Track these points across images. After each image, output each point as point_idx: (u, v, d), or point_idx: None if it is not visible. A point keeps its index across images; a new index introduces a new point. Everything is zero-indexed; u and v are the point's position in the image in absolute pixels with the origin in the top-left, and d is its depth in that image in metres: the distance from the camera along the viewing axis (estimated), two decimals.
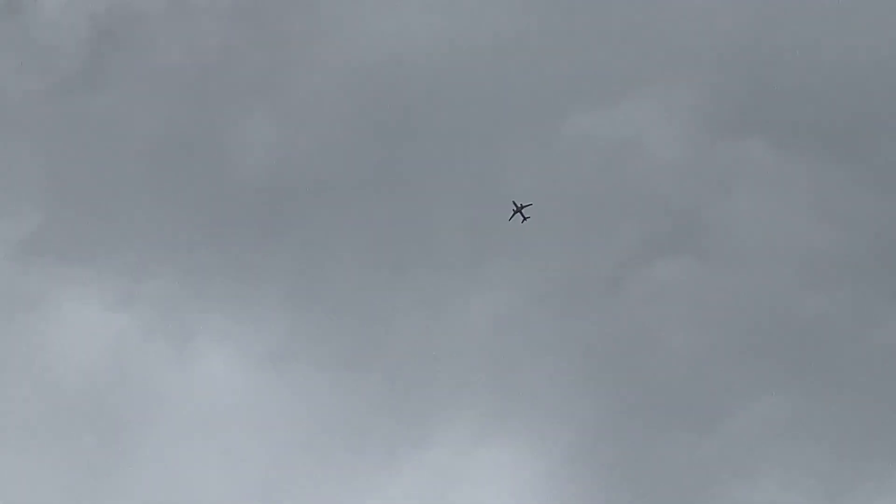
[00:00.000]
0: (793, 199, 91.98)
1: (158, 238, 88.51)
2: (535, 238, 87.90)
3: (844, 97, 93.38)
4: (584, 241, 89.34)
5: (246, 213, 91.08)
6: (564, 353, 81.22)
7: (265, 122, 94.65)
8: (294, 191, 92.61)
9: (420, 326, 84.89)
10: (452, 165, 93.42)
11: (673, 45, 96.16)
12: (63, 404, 77.98)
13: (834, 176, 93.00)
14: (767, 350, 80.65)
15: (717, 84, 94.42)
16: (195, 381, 79.60)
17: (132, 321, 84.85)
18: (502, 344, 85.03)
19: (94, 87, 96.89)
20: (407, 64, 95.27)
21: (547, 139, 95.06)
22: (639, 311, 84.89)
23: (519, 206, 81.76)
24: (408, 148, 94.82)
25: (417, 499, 75.12)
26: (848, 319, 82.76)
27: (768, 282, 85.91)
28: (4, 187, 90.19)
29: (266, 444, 77.96)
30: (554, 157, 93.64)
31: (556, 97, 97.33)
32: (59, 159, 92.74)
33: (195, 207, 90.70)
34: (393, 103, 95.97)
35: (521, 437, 76.63)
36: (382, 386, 79.91)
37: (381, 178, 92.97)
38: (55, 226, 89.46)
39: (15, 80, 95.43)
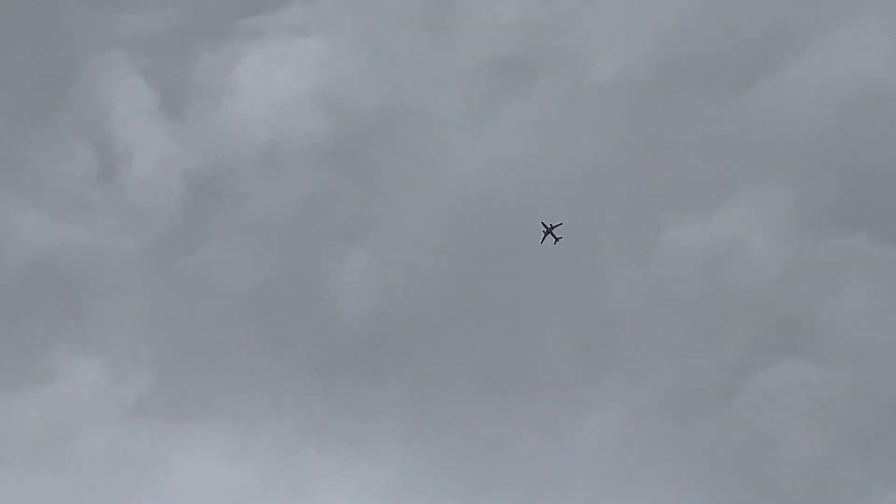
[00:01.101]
0: None
1: (269, 385, 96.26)
2: (642, 352, 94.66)
3: None
4: (694, 350, 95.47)
5: (353, 352, 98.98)
6: (682, 464, 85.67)
7: (365, 262, 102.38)
8: (399, 326, 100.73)
9: (535, 451, 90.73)
10: (554, 286, 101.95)
11: (765, 146, 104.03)
12: None
13: None
14: (891, 447, 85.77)
15: (813, 181, 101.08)
16: None
17: (249, 471, 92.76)
18: (618, 461, 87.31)
19: (192, 242, 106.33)
20: (502, 192, 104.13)
21: (647, 252, 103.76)
22: (755, 416, 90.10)
23: (549, 226, 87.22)
24: (508, 274, 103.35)
25: None
26: None
27: (886, 377, 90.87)
28: (112, 350, 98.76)
29: None
30: (655, 269, 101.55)
31: (652, 210, 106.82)
32: (164, 317, 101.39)
33: (302, 352, 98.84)
34: (490, 232, 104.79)
35: None
36: None
37: (483, 307, 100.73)
38: (166, 384, 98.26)
39: (114, 243, 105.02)
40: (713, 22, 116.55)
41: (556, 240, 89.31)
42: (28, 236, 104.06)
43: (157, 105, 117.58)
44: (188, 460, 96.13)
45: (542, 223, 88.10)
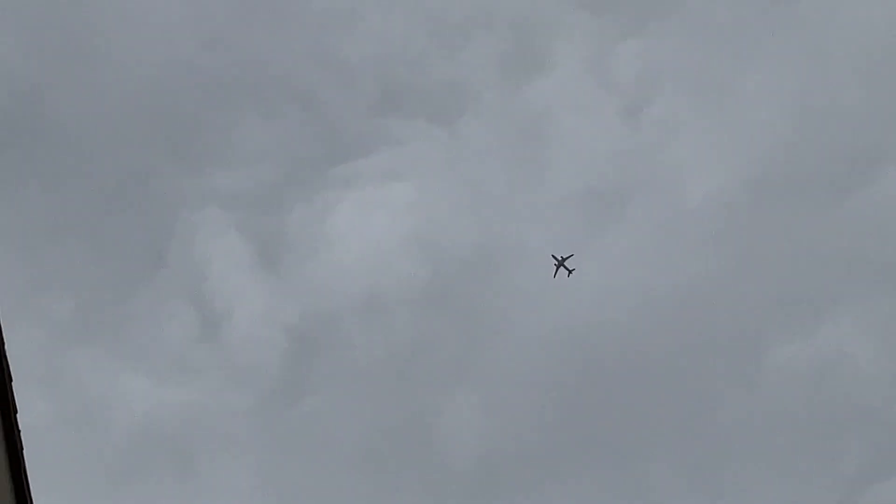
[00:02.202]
0: None
1: None
2: (755, 471, 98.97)
3: None
4: (808, 467, 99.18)
5: (462, 494, 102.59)
6: None
7: (468, 403, 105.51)
8: (505, 465, 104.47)
9: None
10: (660, 414, 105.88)
11: (861, 257, 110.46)
12: None
13: None
14: None
15: None
16: None
17: None
18: None
19: (297, 394, 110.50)
20: (602, 323, 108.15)
21: (753, 371, 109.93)
22: None
23: (560, 259, 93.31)
24: (614, 405, 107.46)
25: None
26: None
27: None
28: None
29: None
30: (762, 388, 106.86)
31: (756, 329, 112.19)
32: (274, 471, 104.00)
33: (412, 496, 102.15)
34: (593, 363, 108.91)
35: None
36: None
37: (590, 440, 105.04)
38: None
39: (219, 402, 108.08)
40: (802, 139, 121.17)
41: (570, 272, 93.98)
42: (134, 400, 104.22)
43: (254, 259, 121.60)
44: None
45: (553, 255, 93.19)
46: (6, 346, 7.72)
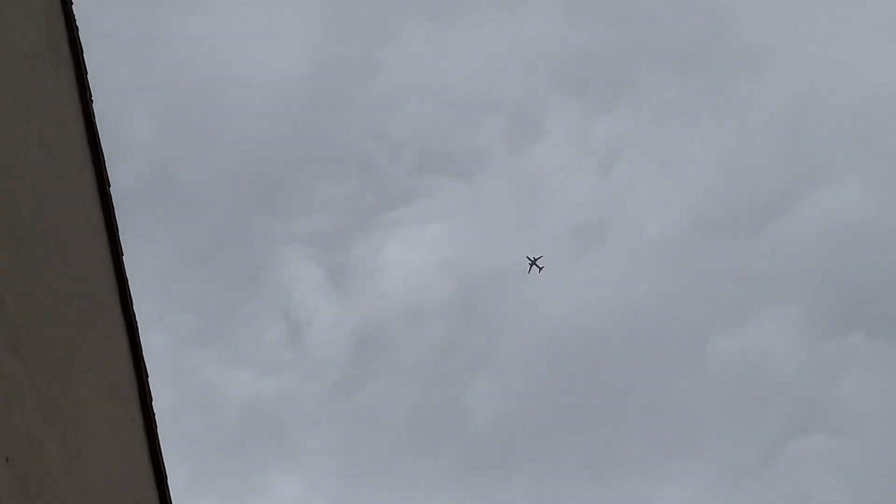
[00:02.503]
0: (889, 378, 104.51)
1: (424, 482, 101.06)
2: (700, 434, 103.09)
3: None
4: (738, 430, 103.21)
5: (484, 454, 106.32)
6: None
7: (487, 386, 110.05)
8: (516, 432, 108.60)
9: None
10: (629, 390, 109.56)
11: (775, 273, 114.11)
12: None
13: None
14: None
15: (816, 298, 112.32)
16: None
17: None
18: None
19: (360, 382, 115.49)
20: (586, 325, 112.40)
21: (697, 359, 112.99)
22: (788, 481, 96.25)
23: (532, 259, 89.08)
24: (597, 384, 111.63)
25: None
26: None
27: (886, 444, 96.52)
28: (307, 467, 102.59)
29: None
30: (704, 371, 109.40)
31: (698, 327, 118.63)
32: (343, 440, 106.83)
33: (446, 456, 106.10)
34: (580, 355, 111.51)
35: None
36: None
37: (580, 413, 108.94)
38: (350, 489, 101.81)
39: (302, 389, 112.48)
40: (729, 187, 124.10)
41: (540, 269, 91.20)
42: (240, 389, 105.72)
43: (326, 282, 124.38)
44: None
45: (527, 257, 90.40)
46: (143, 350, 7.33)
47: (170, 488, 7.41)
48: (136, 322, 7.49)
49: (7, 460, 5.14)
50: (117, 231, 7.45)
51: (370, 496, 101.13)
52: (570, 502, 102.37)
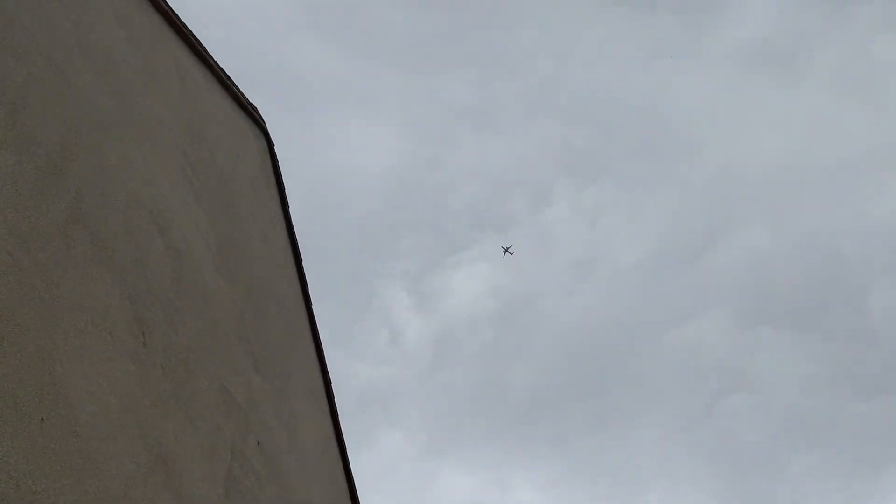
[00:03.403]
0: (788, 356, 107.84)
1: (481, 428, 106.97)
2: (658, 401, 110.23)
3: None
4: (686, 393, 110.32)
5: (520, 411, 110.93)
6: (683, 445, 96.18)
7: (521, 366, 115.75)
8: (543, 397, 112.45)
9: (617, 445, 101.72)
10: (613, 370, 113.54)
11: (712, 287, 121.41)
12: None
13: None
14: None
15: (737, 303, 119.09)
16: None
17: (477, 477, 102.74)
18: (655, 453, 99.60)
19: (437, 370, 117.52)
20: (586, 324, 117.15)
21: (656, 347, 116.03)
22: (721, 425, 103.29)
23: (505, 248, 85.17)
24: (596, 365, 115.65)
25: None
26: None
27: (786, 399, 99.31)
28: (404, 425, 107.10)
29: None
30: (661, 356, 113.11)
31: (657, 327, 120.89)
32: (429, 407, 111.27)
33: (495, 418, 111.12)
34: (584, 345, 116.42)
35: None
36: None
37: (588, 385, 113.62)
38: (434, 438, 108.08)
39: (401, 375, 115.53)
40: (677, 227, 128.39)
41: (511, 255, 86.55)
42: (359, 376, 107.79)
43: (413, 304, 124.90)
44: (448, 471, 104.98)
45: (502, 247, 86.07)
46: (326, 364, 7.35)
47: (349, 458, 7.48)
48: (322, 345, 7.59)
49: (258, 443, 5.27)
50: (307, 287, 7.57)
51: (447, 443, 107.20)
52: (575, 444, 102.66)
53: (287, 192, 8.21)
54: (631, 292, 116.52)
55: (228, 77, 6.98)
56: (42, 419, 3.02)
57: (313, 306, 7.33)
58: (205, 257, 5.44)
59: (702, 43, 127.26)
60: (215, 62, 6.75)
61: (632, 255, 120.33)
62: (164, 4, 5.83)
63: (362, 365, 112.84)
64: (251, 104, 7.47)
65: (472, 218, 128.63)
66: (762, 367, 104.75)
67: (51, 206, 3.65)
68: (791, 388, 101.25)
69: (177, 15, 6.09)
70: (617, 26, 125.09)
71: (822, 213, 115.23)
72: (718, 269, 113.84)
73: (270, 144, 7.80)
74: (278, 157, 7.85)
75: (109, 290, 3.94)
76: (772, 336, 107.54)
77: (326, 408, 7.49)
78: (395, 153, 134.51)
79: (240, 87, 7.25)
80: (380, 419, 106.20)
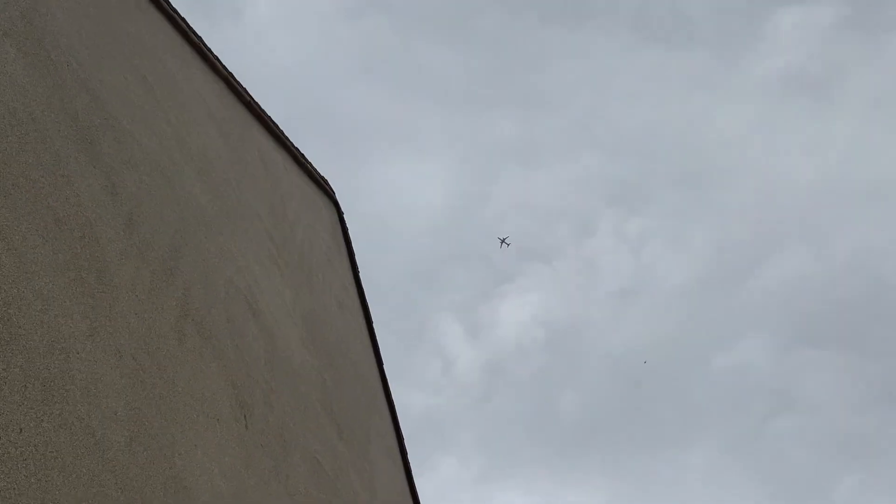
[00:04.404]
0: (835, 377, 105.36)
1: (533, 451, 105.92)
2: (706, 419, 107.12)
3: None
4: (733, 415, 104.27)
5: (570, 431, 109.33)
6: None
7: (571, 392, 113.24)
8: (593, 425, 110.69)
9: (667, 461, 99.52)
10: (659, 392, 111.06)
11: (757, 311, 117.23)
12: None
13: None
14: None
15: (782, 326, 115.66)
16: None
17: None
18: (711, 475, 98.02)
19: (489, 396, 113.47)
20: (632, 349, 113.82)
21: (702, 370, 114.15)
22: (768, 446, 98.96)
23: (502, 239, 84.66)
24: (641, 395, 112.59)
25: None
26: None
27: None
28: (458, 452, 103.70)
29: None
30: (707, 378, 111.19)
31: (701, 347, 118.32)
32: (481, 432, 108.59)
33: (545, 444, 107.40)
34: (631, 370, 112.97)
35: None
36: None
37: (635, 408, 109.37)
38: (491, 463, 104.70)
39: (454, 403, 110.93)
40: (720, 253, 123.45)
41: (508, 245, 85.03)
42: (415, 404, 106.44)
43: (464, 334, 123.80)
44: (504, 496, 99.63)
45: (499, 238, 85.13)
46: (399, 421, 7.41)
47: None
48: (394, 403, 7.70)
49: None
50: (378, 348, 7.70)
51: (502, 469, 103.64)
52: (627, 466, 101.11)
53: (357, 242, 8.46)
54: (676, 318, 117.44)
55: (302, 154, 7.28)
56: None
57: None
58: (291, 334, 5.70)
59: (737, 73, 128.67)
60: (290, 142, 7.06)
61: (676, 281, 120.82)
62: (246, 95, 6.15)
63: (418, 394, 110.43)
64: (322, 177, 7.75)
65: (518, 249, 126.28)
66: (809, 389, 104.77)
67: (164, 306, 3.88)
68: (838, 409, 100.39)
69: (258, 104, 6.41)
70: (654, 61, 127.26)
71: (863, 234, 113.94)
72: (762, 292, 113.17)
73: (340, 213, 8.08)
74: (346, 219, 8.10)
75: (216, 378, 4.16)
76: (817, 357, 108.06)
77: (401, 463, 7.76)
78: (443, 189, 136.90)
79: (311, 162, 7.55)
80: (436, 446, 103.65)
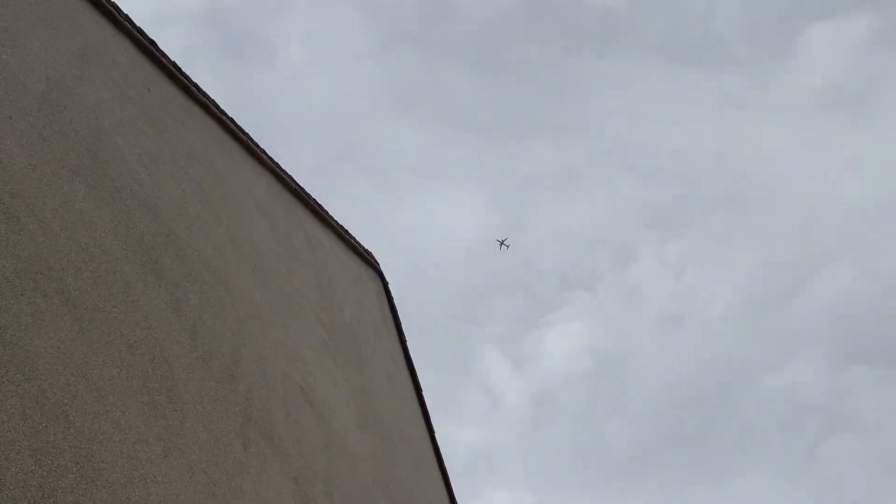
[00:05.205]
0: (887, 394, 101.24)
1: (582, 491, 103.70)
2: (760, 443, 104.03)
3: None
4: (786, 437, 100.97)
5: (620, 462, 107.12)
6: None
7: (624, 418, 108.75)
8: (644, 453, 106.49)
9: (718, 485, 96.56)
10: (714, 421, 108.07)
11: (805, 330, 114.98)
12: None
13: None
14: None
15: (831, 344, 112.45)
16: None
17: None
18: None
19: (538, 426, 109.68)
20: (682, 375, 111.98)
21: (751, 390, 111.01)
22: (824, 468, 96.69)
23: (501, 241, 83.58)
24: (694, 416, 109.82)
25: None
26: None
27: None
28: (511, 484, 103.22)
29: None
30: (756, 399, 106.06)
31: (750, 369, 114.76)
32: (530, 460, 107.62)
33: (596, 474, 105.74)
34: (681, 400, 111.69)
35: None
36: None
37: (688, 431, 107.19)
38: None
39: (504, 436, 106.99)
40: (764, 274, 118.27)
41: (507, 247, 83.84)
42: (462, 438, 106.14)
43: (509, 366, 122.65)
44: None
45: (497, 239, 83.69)
46: (452, 487, 7.36)
47: None
48: (447, 471, 7.68)
49: None
50: (429, 416, 7.69)
51: (552, 499, 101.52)
52: (680, 494, 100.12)
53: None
54: (723, 341, 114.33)
55: (346, 230, 7.41)
56: None
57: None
58: (345, 415, 5.73)
59: (772, 91, 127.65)
60: (335, 220, 7.19)
61: (721, 304, 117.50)
62: (292, 182, 6.29)
63: (465, 429, 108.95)
64: (366, 250, 7.87)
65: (560, 278, 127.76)
66: (861, 407, 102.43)
67: (229, 413, 3.92)
68: (893, 426, 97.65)
69: (302, 188, 6.56)
70: (687, 82, 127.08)
71: None
72: (809, 311, 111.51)
73: (385, 284, 8.17)
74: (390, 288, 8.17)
75: (279, 477, 4.15)
76: (868, 375, 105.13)
77: None
78: (481, 221, 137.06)
79: (356, 238, 7.66)
80: (486, 480, 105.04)
